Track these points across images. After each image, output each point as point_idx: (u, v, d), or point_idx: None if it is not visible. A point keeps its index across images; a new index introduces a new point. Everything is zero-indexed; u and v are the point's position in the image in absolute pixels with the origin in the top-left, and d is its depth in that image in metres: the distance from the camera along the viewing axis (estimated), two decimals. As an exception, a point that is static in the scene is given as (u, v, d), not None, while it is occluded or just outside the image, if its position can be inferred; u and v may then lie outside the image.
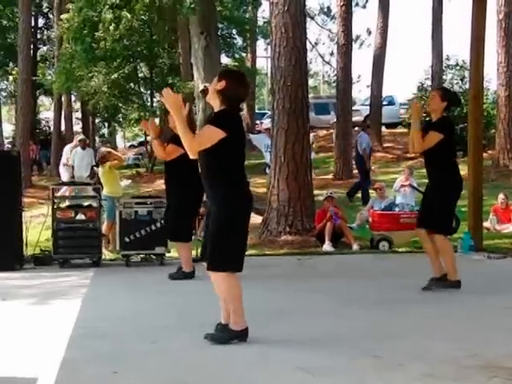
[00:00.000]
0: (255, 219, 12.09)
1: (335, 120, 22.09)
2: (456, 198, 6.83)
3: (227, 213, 4.71)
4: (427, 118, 7.23)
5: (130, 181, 15.18)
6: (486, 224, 11.48)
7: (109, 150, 11.54)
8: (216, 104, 4.77)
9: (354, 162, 18.94)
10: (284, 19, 10.99)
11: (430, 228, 6.66)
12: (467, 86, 17.96)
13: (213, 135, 4.65)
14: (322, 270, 8.56)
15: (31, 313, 6.10)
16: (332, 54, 32.35)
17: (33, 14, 28.72)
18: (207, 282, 5.05)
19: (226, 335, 4.76)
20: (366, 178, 16.09)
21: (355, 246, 10.30)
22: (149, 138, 27.86)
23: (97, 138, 33.51)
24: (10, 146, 30.05)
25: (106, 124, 37.81)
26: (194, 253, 8.47)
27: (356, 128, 19.06)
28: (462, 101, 24.55)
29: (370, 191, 14.95)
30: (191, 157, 4.81)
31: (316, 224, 10.75)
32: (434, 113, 6.67)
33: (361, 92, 42.71)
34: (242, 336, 4.75)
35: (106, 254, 9.85)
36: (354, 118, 23.37)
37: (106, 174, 10.99)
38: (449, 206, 6.71)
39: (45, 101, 41.72)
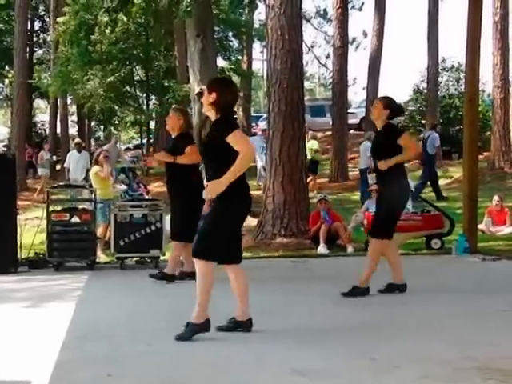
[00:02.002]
0: (250, 221, 12.09)
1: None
2: (402, 204, 6.85)
3: (221, 213, 4.91)
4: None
5: (125, 187, 15.05)
6: (480, 226, 11.49)
7: (105, 154, 11.43)
8: (212, 114, 5.03)
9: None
10: (280, 22, 11.00)
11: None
12: (463, 89, 18.01)
13: (242, 135, 4.99)
14: (316, 273, 8.54)
15: (26, 316, 6.08)
16: (328, 56, 32.52)
17: (29, 17, 28.62)
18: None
19: (189, 331, 4.90)
20: (434, 177, 16.28)
21: (350, 249, 10.30)
22: (144, 141, 27.90)
23: (92, 141, 33.45)
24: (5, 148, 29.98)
25: (102, 127, 37.74)
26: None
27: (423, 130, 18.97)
28: (458, 103, 24.63)
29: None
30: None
31: (310, 226, 10.74)
32: (378, 121, 6.69)
33: (356, 94, 42.73)
34: (204, 328, 4.93)
35: (101, 257, 9.82)
36: (349, 121, 23.38)
37: (96, 176, 10.92)
38: (391, 211, 6.64)
39: (40, 104, 41.58)
